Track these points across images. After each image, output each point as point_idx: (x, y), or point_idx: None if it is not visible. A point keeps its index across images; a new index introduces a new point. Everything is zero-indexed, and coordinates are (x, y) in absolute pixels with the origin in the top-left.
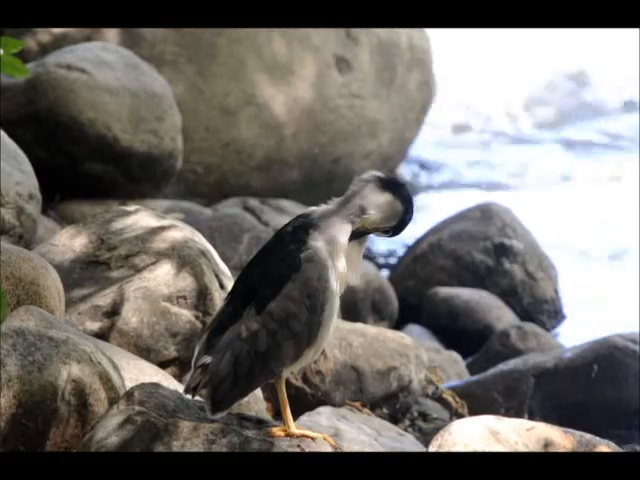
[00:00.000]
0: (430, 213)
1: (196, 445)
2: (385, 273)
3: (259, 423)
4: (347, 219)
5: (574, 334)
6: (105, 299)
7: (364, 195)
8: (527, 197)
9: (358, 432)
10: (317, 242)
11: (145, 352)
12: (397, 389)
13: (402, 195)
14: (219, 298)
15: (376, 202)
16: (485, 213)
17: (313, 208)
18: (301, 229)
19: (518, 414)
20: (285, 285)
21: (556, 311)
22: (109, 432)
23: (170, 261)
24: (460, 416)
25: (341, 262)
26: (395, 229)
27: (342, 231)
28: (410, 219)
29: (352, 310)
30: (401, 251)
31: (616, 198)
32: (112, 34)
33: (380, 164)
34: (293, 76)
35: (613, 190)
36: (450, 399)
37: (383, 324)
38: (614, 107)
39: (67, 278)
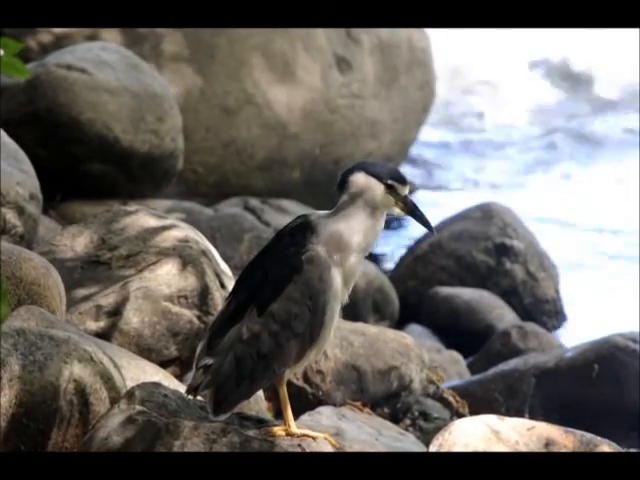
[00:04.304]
0: (431, 213)
1: (197, 445)
2: (386, 273)
3: (260, 423)
4: (356, 216)
5: (575, 334)
6: (106, 299)
7: (361, 191)
8: (529, 197)
9: (359, 431)
10: (317, 243)
11: (146, 352)
12: (398, 389)
13: (378, 173)
14: (220, 298)
15: (373, 189)
16: (486, 213)
17: (316, 211)
18: (301, 230)
19: (519, 414)
20: (286, 286)
21: (557, 311)
22: (110, 432)
23: (171, 261)
24: (461, 416)
25: (347, 259)
26: (411, 212)
27: (351, 229)
28: (401, 176)
29: (353, 310)
30: (402, 251)
31: (618, 198)
32: (112, 34)
33: None
34: (293, 76)
35: (615, 189)
36: (451, 399)
37: (384, 324)
38: (616, 107)
39: (68, 278)
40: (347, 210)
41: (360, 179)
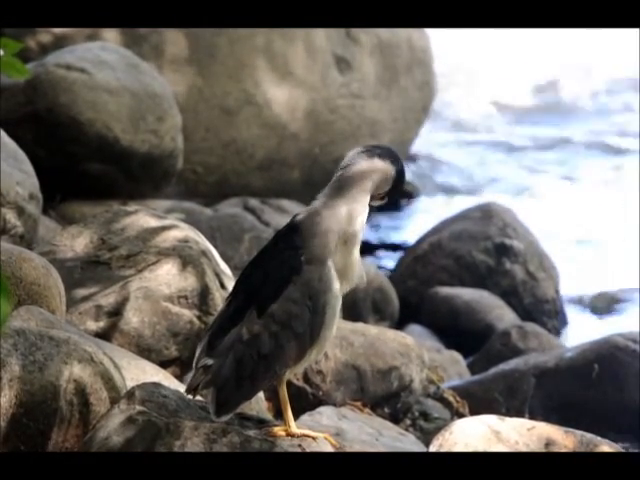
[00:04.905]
0: (430, 213)
1: (197, 445)
2: (386, 273)
3: (260, 423)
4: (351, 203)
5: (575, 334)
6: (106, 299)
7: (361, 175)
8: (529, 198)
9: (359, 432)
10: (315, 241)
11: (146, 352)
12: (398, 389)
13: (392, 158)
14: (220, 298)
15: (373, 175)
16: (485, 213)
17: (315, 203)
18: (297, 229)
19: (519, 414)
20: (286, 287)
21: (557, 311)
22: (110, 432)
23: (171, 261)
24: (461, 416)
25: (350, 248)
26: (390, 193)
27: (354, 216)
28: (403, 176)
29: (353, 310)
30: (402, 251)
31: (617, 199)
32: (112, 34)
33: None
34: (293, 76)
35: (614, 190)
36: (451, 399)
37: (384, 324)
38: (615, 108)
39: (68, 278)
40: (353, 195)
41: (387, 171)
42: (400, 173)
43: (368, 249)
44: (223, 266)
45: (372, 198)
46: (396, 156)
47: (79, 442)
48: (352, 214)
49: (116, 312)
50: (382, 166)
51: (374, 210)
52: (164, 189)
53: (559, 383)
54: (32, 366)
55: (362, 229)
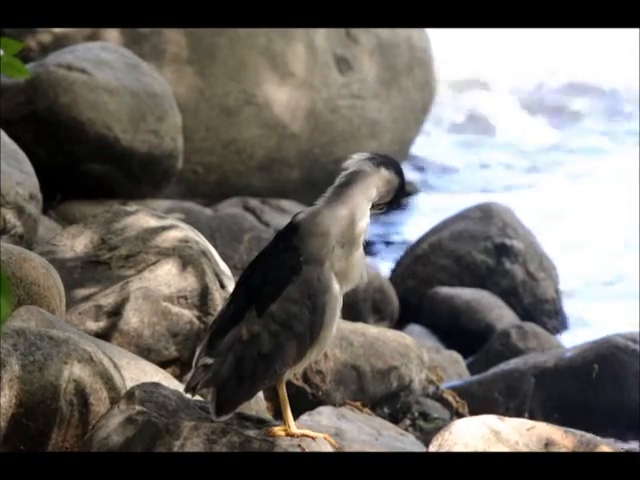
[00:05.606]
0: (431, 213)
1: (196, 445)
2: (386, 273)
3: (260, 423)
4: (352, 207)
5: (575, 334)
6: (106, 299)
7: (366, 179)
8: (529, 198)
9: (359, 432)
10: (314, 242)
11: (146, 352)
12: (398, 389)
13: (396, 168)
14: (220, 298)
15: (376, 183)
16: (486, 213)
17: (318, 204)
18: (297, 230)
19: (519, 414)
20: (286, 287)
21: (557, 311)
22: (110, 432)
23: (171, 261)
24: (461, 416)
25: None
26: (391, 203)
27: (355, 219)
28: (404, 190)
29: (353, 310)
30: (402, 251)
31: (616, 198)
32: (112, 34)
33: None
34: (293, 76)
35: (614, 189)
36: (451, 399)
37: (384, 324)
38: (618, 109)
39: (68, 278)
40: (355, 200)
41: (392, 182)
42: (402, 186)
43: (368, 249)
44: (223, 266)
45: (372, 207)
46: (400, 168)
47: (79, 442)
48: (353, 217)
49: (116, 312)
50: (388, 176)
51: (375, 216)
52: (164, 189)
53: (559, 383)
54: (32, 366)
55: (363, 232)
